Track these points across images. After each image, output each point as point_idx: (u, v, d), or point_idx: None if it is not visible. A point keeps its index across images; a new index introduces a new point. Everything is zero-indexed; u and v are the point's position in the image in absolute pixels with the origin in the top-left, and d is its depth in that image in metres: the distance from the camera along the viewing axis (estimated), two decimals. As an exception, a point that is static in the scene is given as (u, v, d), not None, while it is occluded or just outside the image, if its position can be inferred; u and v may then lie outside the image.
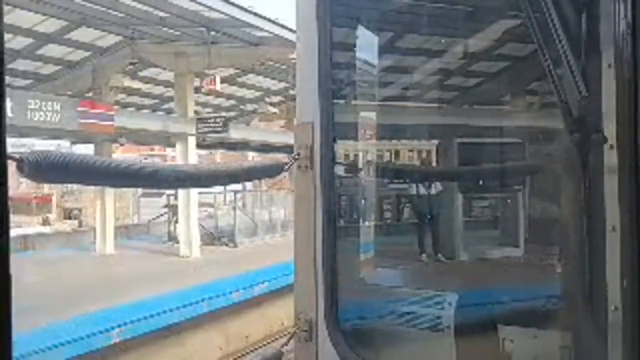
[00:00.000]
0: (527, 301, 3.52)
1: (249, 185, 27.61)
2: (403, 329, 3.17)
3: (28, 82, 19.21)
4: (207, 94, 20.73)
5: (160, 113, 24.40)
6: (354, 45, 3.33)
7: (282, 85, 23.55)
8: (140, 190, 29.04)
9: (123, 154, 32.28)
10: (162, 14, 15.46)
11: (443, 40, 5.22)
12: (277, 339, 14.19)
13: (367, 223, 4.46)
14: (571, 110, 1.91)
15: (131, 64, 18.60)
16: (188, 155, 19.08)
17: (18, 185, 31.84)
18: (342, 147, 3.08)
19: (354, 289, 3.23)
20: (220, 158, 40.04)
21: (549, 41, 1.91)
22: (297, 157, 2.42)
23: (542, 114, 4.49)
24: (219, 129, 19.10)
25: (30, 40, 16.54)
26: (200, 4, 14.15)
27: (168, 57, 18.22)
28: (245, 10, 15.24)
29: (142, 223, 28.22)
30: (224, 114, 22.02)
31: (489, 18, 4.49)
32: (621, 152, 1.76)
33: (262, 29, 16.29)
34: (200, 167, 3.46)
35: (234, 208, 22.81)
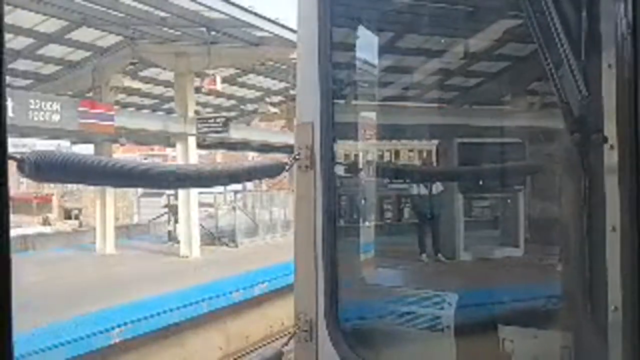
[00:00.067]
0: (527, 301, 3.52)
1: (249, 185, 27.63)
2: (403, 329, 3.17)
3: (28, 82, 19.22)
4: (208, 94, 20.73)
5: (161, 113, 24.41)
6: (355, 46, 3.33)
7: (283, 85, 23.55)
8: (140, 190, 29.06)
9: (123, 154, 32.29)
10: (162, 14, 15.47)
11: (443, 40, 5.21)
12: (277, 339, 14.19)
13: (367, 223, 4.46)
14: (572, 110, 1.91)
15: (131, 64, 18.62)
16: (188, 155, 19.08)
17: (19, 185, 31.86)
18: (342, 147, 3.08)
19: (354, 289, 3.23)
20: (220, 158, 40.06)
21: (550, 41, 1.91)
22: (297, 157, 2.42)
23: (543, 114, 4.49)
24: (219, 129, 19.10)
25: (31, 40, 16.55)
26: (200, 4, 14.15)
27: (168, 57, 18.23)
28: (246, 10, 15.24)
29: (143, 223, 28.24)
30: (224, 114, 22.02)
31: (489, 18, 4.48)
32: (621, 152, 1.75)
33: (262, 29, 16.29)
34: (201, 168, 3.47)
35: (234, 208, 22.81)
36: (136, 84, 19.85)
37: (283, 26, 16.18)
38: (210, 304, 13.30)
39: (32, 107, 13.75)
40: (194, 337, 13.08)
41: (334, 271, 2.38)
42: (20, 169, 1.77)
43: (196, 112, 20.26)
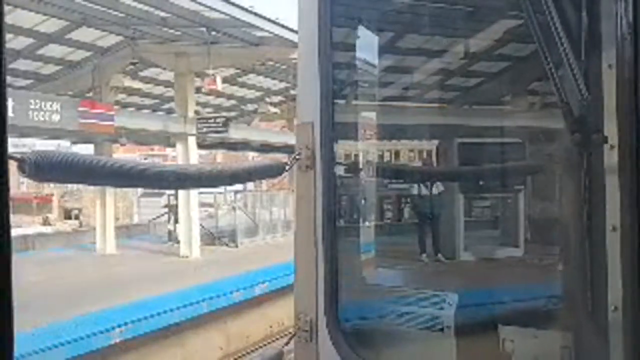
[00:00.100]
0: (528, 301, 3.52)
1: (249, 185, 27.63)
2: (403, 329, 3.17)
3: (29, 82, 19.23)
4: (208, 94, 20.74)
5: (161, 113, 24.42)
6: (355, 45, 3.33)
7: (283, 85, 23.56)
8: (140, 190, 29.08)
9: (124, 154, 32.30)
10: (162, 14, 15.47)
11: (444, 41, 5.21)
12: (277, 339, 14.20)
13: (367, 223, 4.46)
14: (572, 110, 1.91)
15: (132, 64, 18.62)
16: (189, 155, 19.08)
17: (19, 185, 31.87)
18: (342, 147, 3.08)
19: (354, 289, 3.23)
20: (220, 158, 40.07)
21: (550, 41, 1.91)
22: (298, 157, 2.42)
23: (543, 114, 4.49)
24: (220, 129, 19.10)
25: (31, 40, 16.55)
26: (200, 4, 14.15)
27: (168, 57, 18.23)
28: (246, 10, 15.24)
29: (143, 223, 28.25)
30: (224, 114, 22.03)
31: (489, 18, 4.49)
32: (622, 152, 1.76)
33: (262, 29, 16.29)
34: (201, 168, 3.46)
35: (234, 208, 22.80)
36: (136, 84, 19.85)
37: (283, 26, 16.18)
38: (210, 304, 13.30)
39: (32, 107, 13.75)
40: (194, 337, 13.08)
41: (334, 271, 2.38)
42: (21, 169, 1.77)
43: (196, 112, 20.27)
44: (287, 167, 2.50)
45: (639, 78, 1.62)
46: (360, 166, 3.98)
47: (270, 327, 15.34)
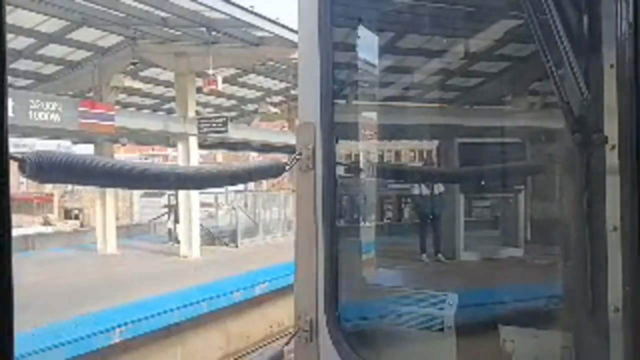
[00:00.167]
0: (528, 301, 3.52)
1: (250, 185, 27.63)
2: (404, 329, 3.17)
3: (29, 82, 19.23)
4: (208, 94, 20.74)
5: (161, 113, 24.42)
6: (356, 46, 3.33)
7: (283, 85, 23.56)
8: (140, 190, 29.06)
9: (125, 154, 32.32)
10: (163, 14, 15.47)
11: (444, 41, 5.21)
12: (277, 339, 14.21)
13: (367, 223, 4.46)
14: (573, 110, 1.91)
15: (132, 64, 18.62)
16: (190, 155, 19.08)
17: (19, 185, 31.88)
18: (343, 148, 3.08)
19: (354, 289, 3.23)
20: (221, 158, 40.10)
21: (551, 41, 1.91)
22: (298, 157, 2.42)
23: (544, 114, 4.49)
24: (220, 129, 19.10)
25: (32, 40, 16.56)
26: (200, 4, 14.15)
27: (168, 57, 18.24)
28: (246, 10, 15.24)
29: (143, 223, 28.26)
30: (225, 114, 22.03)
31: (490, 18, 4.49)
32: (622, 152, 1.75)
33: (262, 29, 16.29)
34: (202, 169, 3.47)
35: (234, 208, 22.80)
36: (137, 84, 19.85)
37: (283, 26, 16.17)
38: (210, 304, 13.30)
39: (32, 107, 13.76)
40: (194, 337, 13.08)
41: (334, 271, 2.38)
42: (21, 169, 1.77)
43: (197, 112, 20.27)
44: (287, 167, 2.50)
45: (639, 78, 1.62)
46: (361, 166, 3.98)
47: (271, 327, 15.34)
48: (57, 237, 24.60)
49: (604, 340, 1.91)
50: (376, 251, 4.28)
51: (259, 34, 16.90)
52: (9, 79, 0.98)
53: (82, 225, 28.26)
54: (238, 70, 21.37)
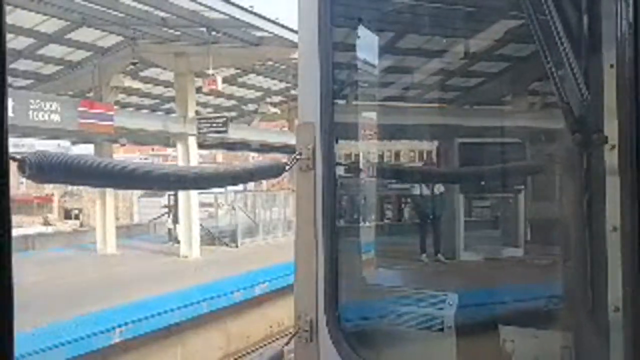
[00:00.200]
0: (528, 301, 3.52)
1: (250, 185, 27.62)
2: (404, 329, 3.17)
3: (29, 82, 19.23)
4: (208, 94, 20.75)
5: (160, 113, 24.42)
6: (355, 46, 3.33)
7: (283, 85, 23.56)
8: (140, 190, 29.05)
9: (124, 154, 32.32)
10: (162, 14, 15.47)
11: (444, 41, 5.21)
12: (277, 339, 14.21)
13: (367, 223, 4.46)
14: (573, 110, 1.91)
15: (132, 64, 18.62)
16: (189, 155, 19.08)
17: (18, 185, 31.87)
18: (343, 148, 3.08)
19: (354, 289, 3.23)
20: (221, 158, 40.10)
21: (551, 41, 1.91)
22: (298, 157, 2.42)
23: (544, 115, 4.49)
24: (220, 129, 19.10)
25: (32, 40, 16.56)
26: (200, 4, 14.15)
27: (168, 57, 18.24)
28: (246, 10, 15.24)
29: (143, 223, 28.26)
30: (225, 114, 22.03)
31: (490, 18, 4.48)
32: (622, 152, 1.75)
33: (262, 29, 16.29)
34: (203, 169, 3.47)
35: (234, 208, 22.80)
36: (137, 84, 19.85)
37: (283, 26, 16.18)
38: (210, 304, 13.30)
39: (32, 107, 13.76)
40: (194, 337, 13.08)
41: (334, 271, 2.38)
42: (21, 169, 1.76)
43: (196, 112, 20.27)
44: (287, 167, 2.49)
45: (639, 78, 1.62)
46: (361, 166, 3.98)
47: (271, 327, 15.34)
48: (57, 237, 24.60)
49: (604, 340, 1.91)
50: (376, 251, 4.28)
51: (259, 34, 16.90)
52: (9, 79, 0.98)
53: (82, 226, 28.27)
54: (238, 70, 21.38)
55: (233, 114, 25.43)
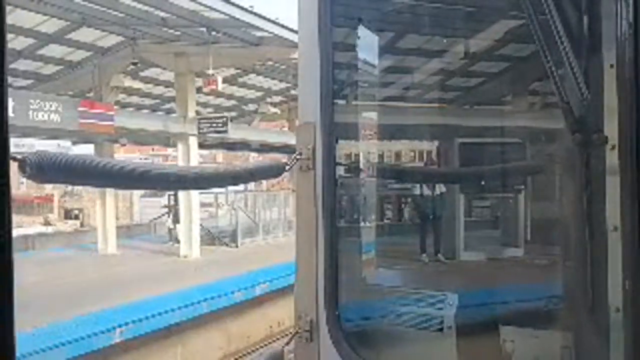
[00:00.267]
0: (528, 301, 3.52)
1: (250, 185, 27.61)
2: (404, 329, 3.17)
3: (29, 82, 19.23)
4: (208, 94, 20.75)
5: (160, 113, 24.42)
6: (356, 46, 3.33)
7: (283, 85, 23.56)
8: (140, 190, 29.05)
9: (124, 154, 32.32)
10: (162, 14, 15.47)
11: (444, 41, 5.22)
12: (277, 339, 14.20)
13: (367, 223, 4.46)
14: (573, 110, 1.91)
15: (132, 64, 18.63)
16: (190, 155, 19.08)
17: (19, 185, 31.87)
18: (343, 148, 3.08)
19: (354, 289, 3.23)
20: (221, 158, 40.10)
21: (551, 41, 1.91)
22: (298, 157, 2.42)
23: (544, 115, 4.49)
24: (220, 129, 19.10)
25: (32, 40, 16.56)
26: (200, 4, 14.15)
27: (168, 57, 18.23)
28: (246, 10, 15.24)
29: (143, 223, 28.25)
30: (225, 114, 22.03)
31: (490, 18, 4.49)
32: (622, 152, 1.75)
33: (262, 29, 16.29)
34: (203, 169, 3.47)
35: (234, 208, 22.80)
36: (137, 84, 19.84)
37: (283, 26, 16.17)
38: (210, 304, 13.30)
39: (32, 107, 13.76)
40: (194, 337, 13.08)
41: (335, 271, 2.38)
42: (22, 169, 1.77)
43: (197, 112, 20.27)
44: (287, 167, 2.50)
45: (639, 78, 1.62)
46: (361, 166, 3.98)
47: (271, 327, 15.34)
48: (57, 237, 24.60)
49: (604, 340, 1.91)
50: (376, 251, 4.28)
51: (259, 34, 16.90)
52: (9, 79, 0.98)
53: (82, 225, 28.26)
54: (238, 70, 21.37)
55: (233, 114, 25.40)
